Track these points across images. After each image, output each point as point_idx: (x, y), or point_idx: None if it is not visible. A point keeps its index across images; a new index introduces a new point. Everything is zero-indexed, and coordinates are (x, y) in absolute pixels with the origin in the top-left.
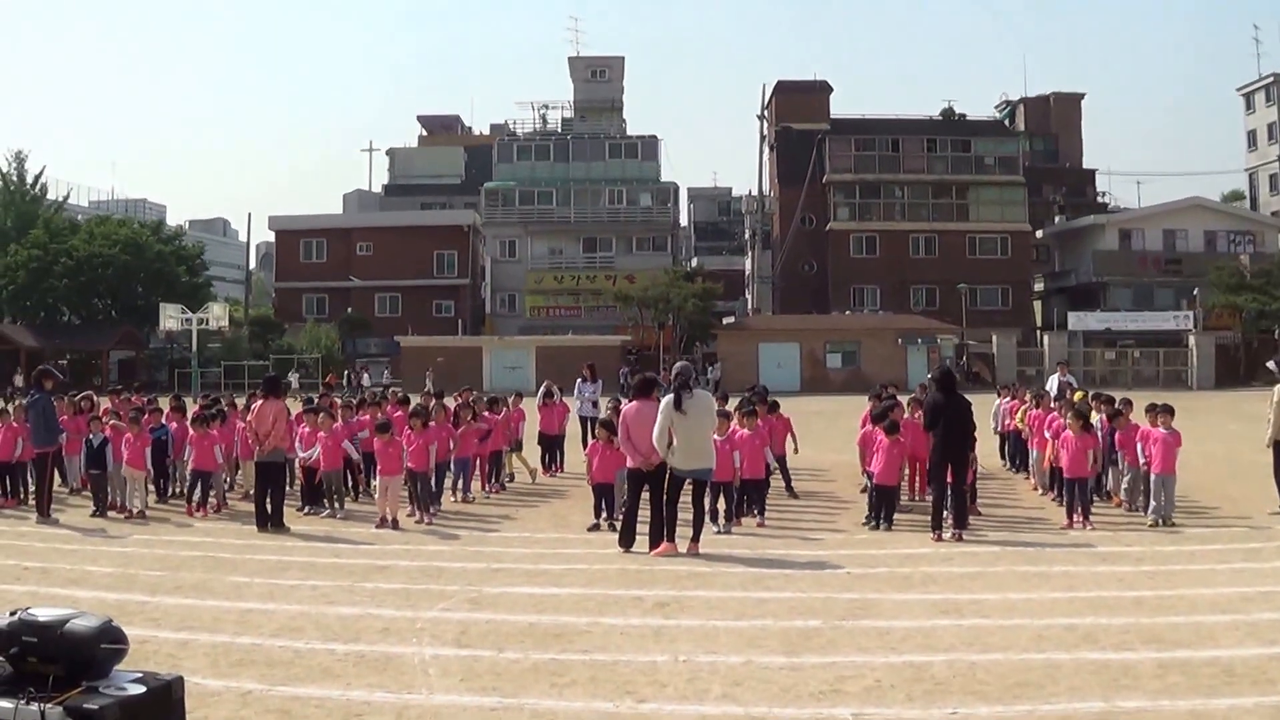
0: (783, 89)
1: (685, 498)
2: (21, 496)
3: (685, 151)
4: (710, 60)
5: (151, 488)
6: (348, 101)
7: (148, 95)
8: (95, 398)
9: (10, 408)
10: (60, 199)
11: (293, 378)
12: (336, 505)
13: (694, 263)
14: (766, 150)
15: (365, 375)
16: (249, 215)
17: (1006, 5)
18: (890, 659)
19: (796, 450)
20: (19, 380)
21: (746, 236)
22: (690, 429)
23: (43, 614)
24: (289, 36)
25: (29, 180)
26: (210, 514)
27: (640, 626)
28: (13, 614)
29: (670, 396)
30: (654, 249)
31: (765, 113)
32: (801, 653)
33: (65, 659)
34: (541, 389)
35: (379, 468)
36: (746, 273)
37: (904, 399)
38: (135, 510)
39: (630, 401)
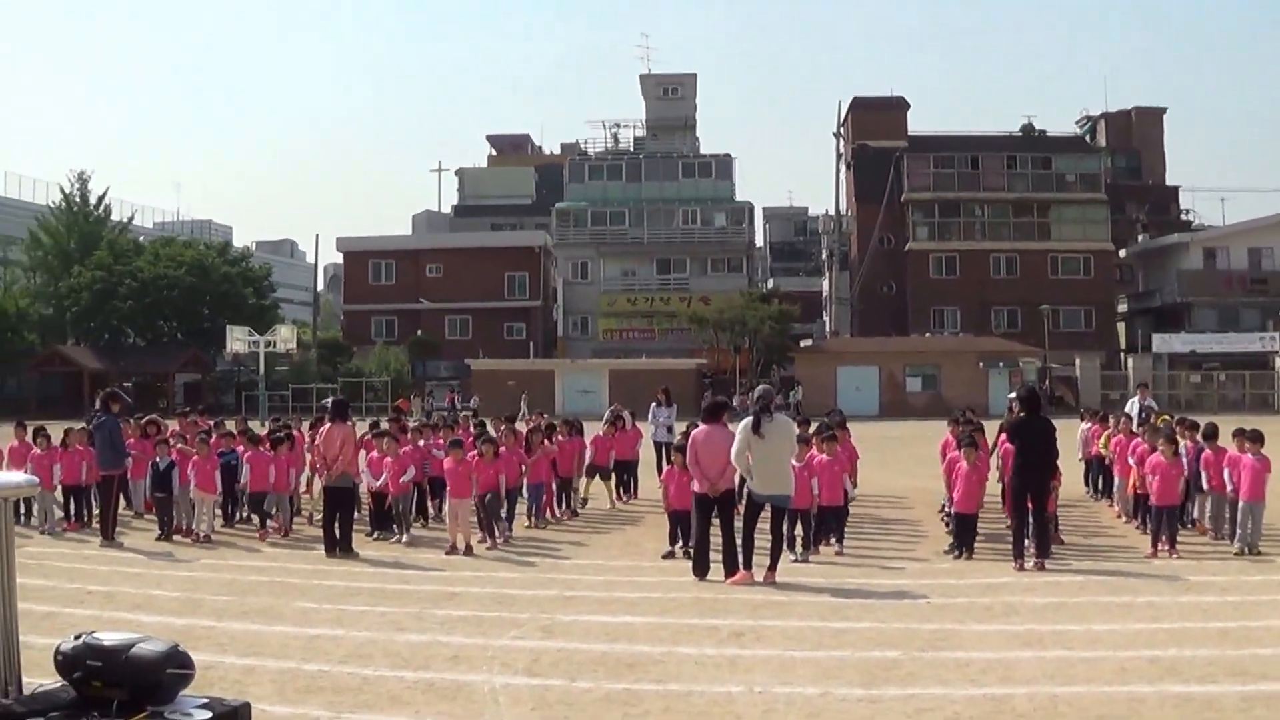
0: (859, 105)
1: (763, 524)
2: (86, 520)
3: (760, 170)
4: (785, 76)
5: (218, 512)
6: (416, 121)
7: (213, 116)
8: (161, 421)
9: (71, 431)
10: (124, 220)
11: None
12: (406, 530)
13: (770, 284)
14: (843, 168)
15: (460, 398)
16: (316, 237)
17: (1086, 19)
18: (970, 692)
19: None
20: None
21: (824, 257)
22: (768, 453)
23: (108, 638)
24: (357, 58)
25: (92, 201)
26: (272, 537)
27: (715, 656)
28: (77, 637)
29: (749, 419)
30: (729, 270)
31: (841, 130)
32: (880, 685)
33: (130, 684)
34: (608, 412)
35: (449, 491)
36: (824, 294)
37: (987, 425)
38: (202, 534)
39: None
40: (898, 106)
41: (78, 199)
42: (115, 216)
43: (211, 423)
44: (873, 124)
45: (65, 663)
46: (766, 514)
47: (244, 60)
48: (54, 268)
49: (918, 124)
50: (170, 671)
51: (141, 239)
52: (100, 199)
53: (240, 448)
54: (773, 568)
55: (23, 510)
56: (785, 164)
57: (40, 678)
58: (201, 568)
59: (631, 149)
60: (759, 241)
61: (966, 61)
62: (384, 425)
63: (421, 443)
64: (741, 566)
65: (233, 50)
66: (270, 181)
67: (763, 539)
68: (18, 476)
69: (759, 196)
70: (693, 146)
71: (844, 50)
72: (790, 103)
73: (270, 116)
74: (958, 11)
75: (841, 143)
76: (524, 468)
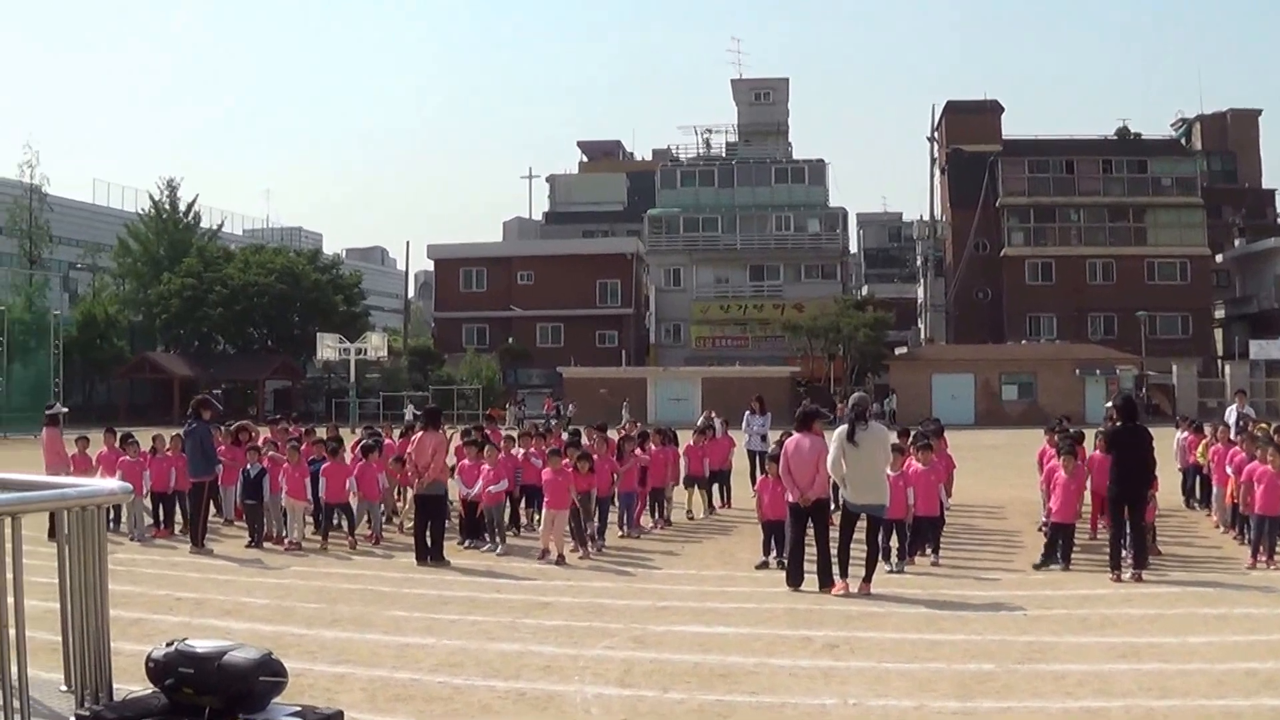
0: (953, 109)
1: (859, 534)
2: (175, 528)
3: (853, 175)
4: (878, 80)
5: (309, 519)
6: (507, 128)
7: (303, 123)
8: (253, 428)
9: (159, 437)
10: (214, 227)
11: (407, 411)
12: (501, 540)
13: (864, 291)
14: (937, 173)
15: (570, 406)
16: (407, 244)
17: (1181, 20)
18: (1066, 704)
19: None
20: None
21: (918, 263)
22: (862, 462)
23: (200, 645)
24: (448, 64)
25: (181, 208)
26: (359, 545)
27: (809, 668)
28: (169, 644)
29: (843, 427)
30: (823, 277)
31: (935, 134)
32: (975, 697)
33: (222, 691)
34: (700, 420)
35: (546, 501)
36: (919, 301)
37: (1088, 432)
38: (292, 541)
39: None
40: (991, 110)
41: (167, 206)
42: (205, 223)
43: (302, 430)
44: (967, 128)
45: (157, 669)
46: (863, 524)
47: (335, 67)
48: (143, 275)
49: (1012, 128)
50: (262, 679)
51: (231, 246)
52: (189, 206)
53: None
54: (868, 578)
55: (111, 516)
56: (879, 169)
57: (129, 683)
58: (291, 575)
59: (723, 154)
60: (853, 248)
61: (1060, 64)
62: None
63: (515, 451)
64: (836, 577)
65: (324, 56)
66: (360, 189)
67: (858, 549)
68: (111, 483)
69: (852, 202)
70: (785, 152)
71: (937, 53)
72: (883, 107)
73: (361, 123)
74: (1051, 13)
75: (935, 147)
76: (615, 476)
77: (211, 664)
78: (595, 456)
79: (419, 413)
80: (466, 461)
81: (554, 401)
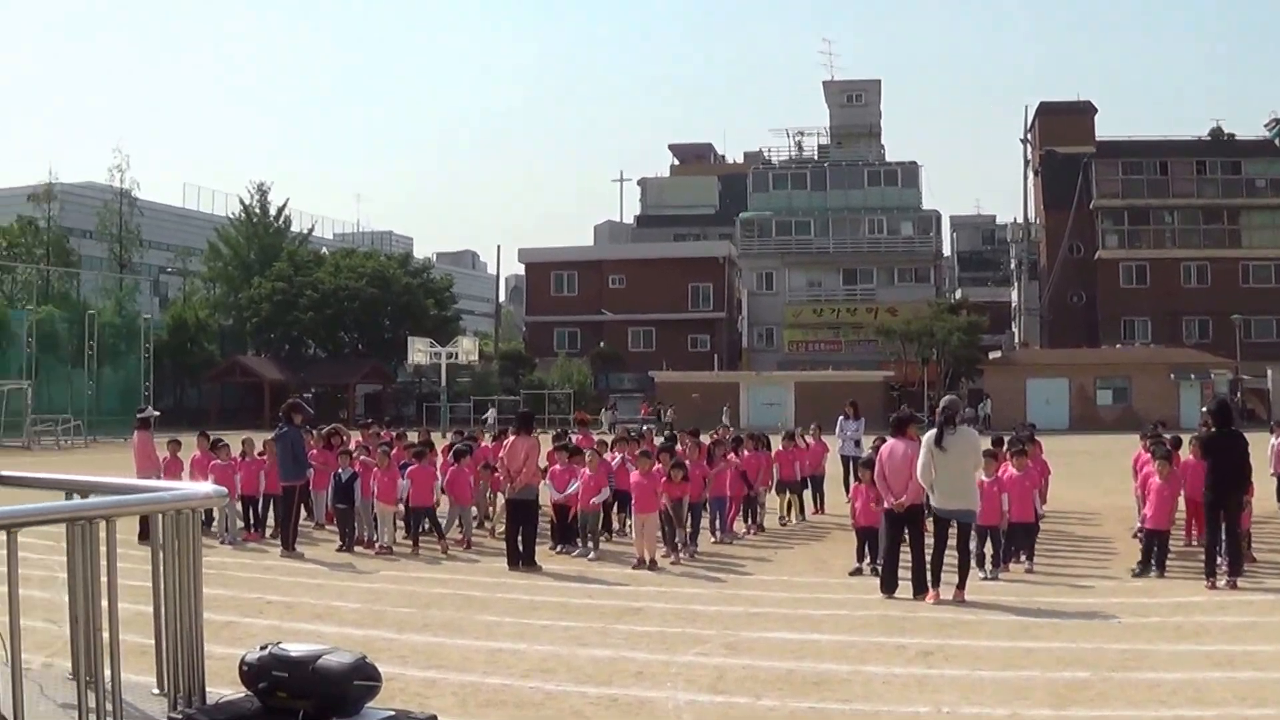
0: (1046, 110)
1: (952, 540)
2: (266, 532)
3: (946, 178)
4: (970, 81)
5: (400, 524)
6: (598, 131)
7: (393, 128)
8: (345, 432)
9: (250, 441)
10: (305, 231)
11: (489, 414)
12: (595, 546)
13: (958, 294)
14: (1031, 175)
15: (670, 410)
16: (498, 248)
17: (1273, 19)
18: (1160, 713)
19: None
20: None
21: (1012, 266)
22: (951, 467)
23: (295, 649)
24: (538, 68)
25: (272, 212)
26: (450, 549)
27: (903, 675)
28: (263, 648)
29: (931, 431)
30: (916, 280)
31: (1028, 136)
32: (1069, 705)
33: (317, 695)
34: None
35: (635, 506)
36: (1013, 304)
37: (1183, 437)
38: (383, 546)
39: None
40: (1085, 111)
41: (258, 210)
42: (295, 227)
43: (393, 434)
44: (1059, 129)
45: (251, 673)
46: (954, 530)
47: (425, 71)
48: (234, 279)
49: (1105, 129)
50: (357, 683)
51: (322, 250)
52: (280, 210)
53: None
54: (961, 585)
55: (202, 519)
56: (972, 171)
57: (219, 687)
58: (382, 579)
59: (816, 157)
60: (946, 250)
61: (1154, 64)
62: (570, 438)
63: (609, 456)
64: (929, 584)
65: (414, 61)
66: (451, 193)
67: (952, 556)
68: (205, 487)
69: (946, 204)
70: (878, 154)
71: (1030, 53)
72: (976, 108)
73: (451, 127)
74: (1144, 13)
75: (1029, 149)
76: (706, 481)
77: (306, 668)
78: (687, 461)
79: (499, 416)
80: (558, 466)
81: (651, 406)
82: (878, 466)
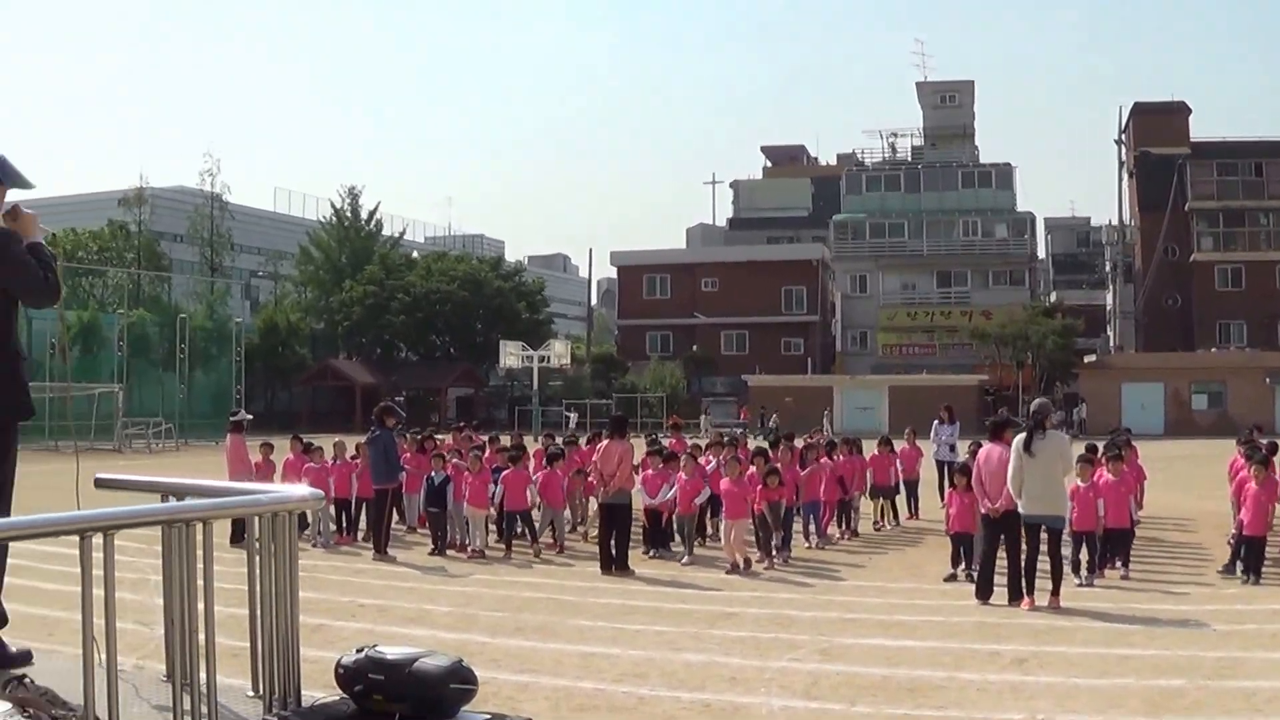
0: (1140, 110)
1: (1044, 547)
2: (358, 535)
3: (1040, 179)
4: (1064, 81)
5: (493, 527)
6: (689, 134)
7: (484, 131)
8: (440, 436)
9: (342, 444)
10: (396, 235)
11: (571, 418)
12: (690, 551)
13: (1052, 297)
14: (1125, 176)
15: (775, 416)
16: (590, 251)
17: None
18: None
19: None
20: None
21: (1107, 269)
22: (1039, 472)
23: (391, 652)
24: (629, 70)
25: (363, 216)
26: (543, 554)
27: (998, 682)
28: (359, 651)
29: (1021, 437)
30: (1011, 283)
31: (1122, 136)
32: (1164, 713)
33: (412, 698)
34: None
35: (725, 511)
36: (1108, 307)
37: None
38: (475, 549)
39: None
40: (1179, 111)
41: (349, 214)
42: (386, 231)
43: (486, 438)
44: (1154, 130)
45: (347, 676)
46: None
47: (516, 73)
48: (325, 282)
49: (1200, 129)
50: (453, 687)
51: (413, 253)
52: (371, 214)
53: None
54: (1055, 591)
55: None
56: (1066, 172)
57: (311, 690)
58: (475, 583)
59: (909, 159)
60: (1040, 253)
61: (1249, 63)
62: (663, 442)
63: (702, 460)
64: (1025, 591)
65: (505, 63)
66: (542, 196)
67: (1044, 561)
68: (302, 489)
69: (1040, 206)
70: (972, 155)
71: (1124, 53)
72: (1070, 108)
73: (542, 130)
74: (1238, 11)
75: (1123, 150)
76: (798, 486)
77: (402, 671)
78: (779, 465)
79: (578, 420)
80: (651, 471)
81: (750, 410)
82: (975, 471)
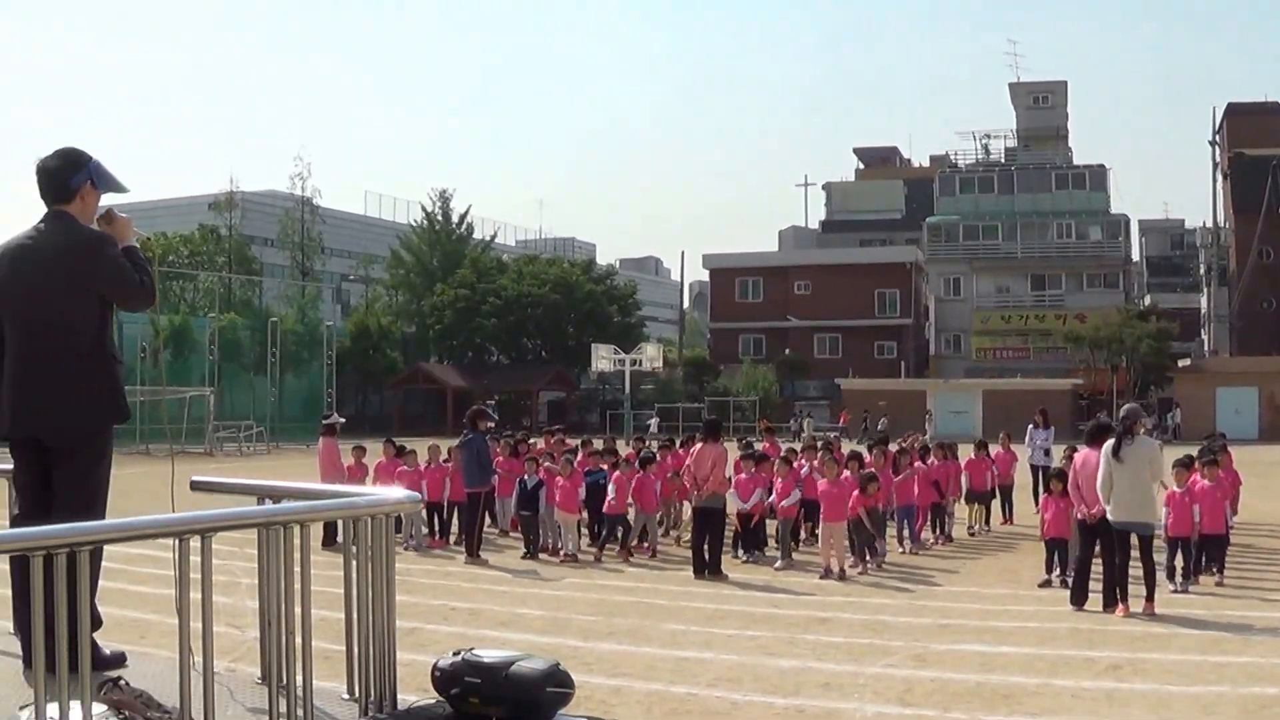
0: (1235, 111)
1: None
2: (450, 538)
3: (1134, 180)
4: (1158, 81)
5: (584, 531)
6: (782, 135)
7: (575, 133)
8: (530, 439)
9: (434, 447)
10: (487, 238)
11: (653, 422)
12: (787, 555)
13: (1147, 300)
14: (1219, 178)
15: (882, 420)
16: (682, 254)
17: None
18: None
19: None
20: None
21: (1201, 272)
22: (1127, 478)
23: (488, 655)
24: (721, 72)
25: (454, 219)
26: (635, 558)
27: (1092, 690)
28: (456, 654)
29: (1109, 443)
30: (1105, 286)
31: (1217, 137)
32: None
33: (509, 701)
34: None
35: (823, 515)
36: (1202, 311)
37: None
38: (568, 553)
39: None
40: (1274, 112)
41: (440, 217)
42: (477, 234)
43: (578, 442)
44: (1249, 130)
45: (443, 679)
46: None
47: (607, 76)
48: (416, 286)
49: None
50: (550, 690)
51: (504, 257)
52: (462, 217)
53: (604, 467)
54: (1150, 598)
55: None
56: (1160, 174)
57: (404, 693)
58: (567, 587)
59: (1003, 160)
60: (1134, 255)
61: None
62: (756, 446)
63: (796, 463)
64: (1119, 597)
65: (596, 66)
66: (633, 199)
67: (1138, 568)
68: (399, 492)
69: (1134, 208)
70: (1065, 157)
71: (1219, 53)
72: (1164, 109)
73: (633, 132)
74: None
75: (1217, 151)
76: (891, 491)
77: (499, 674)
78: (873, 469)
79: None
80: (743, 475)
81: (848, 414)
82: (1071, 476)
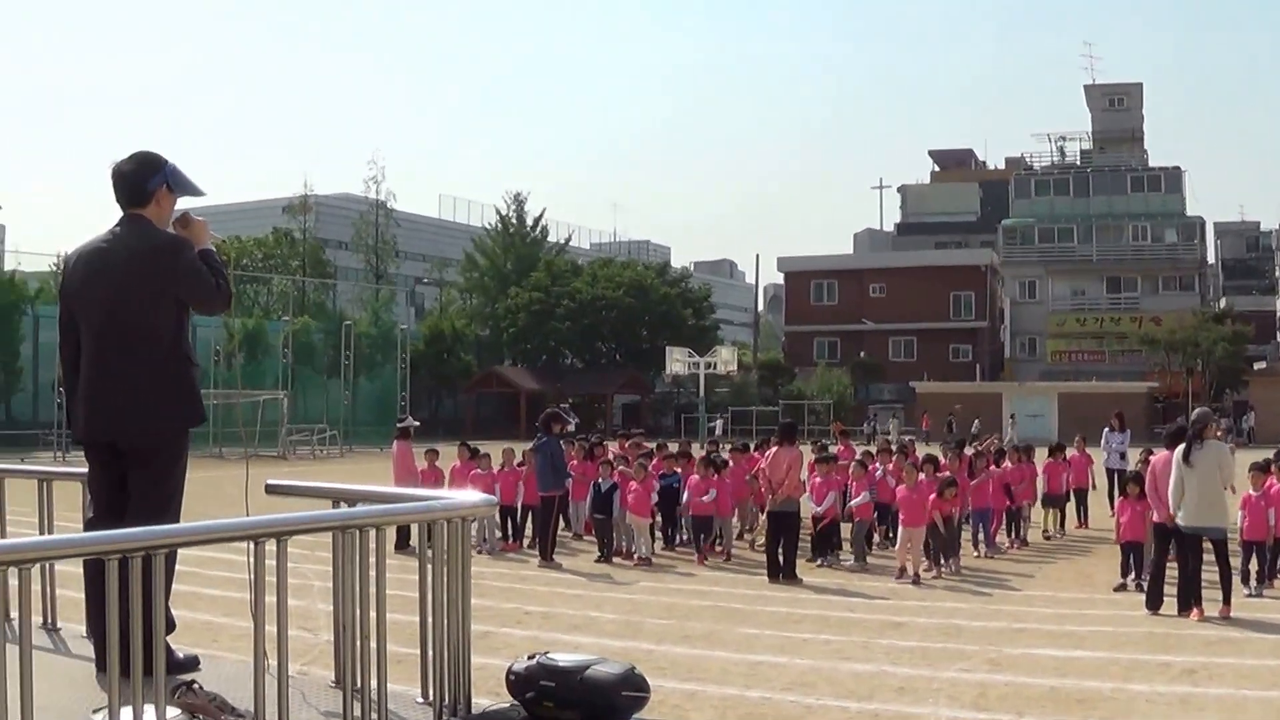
0: None
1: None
2: (524, 542)
3: (1210, 183)
4: (1234, 83)
5: (659, 534)
6: (856, 138)
7: (650, 137)
8: (605, 443)
9: (509, 451)
10: (561, 241)
11: (715, 425)
12: (862, 558)
13: (1222, 303)
14: None
15: (976, 422)
16: (757, 257)
17: None
18: None
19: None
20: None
21: (1277, 274)
22: (1197, 483)
23: (563, 659)
24: (793, 75)
25: (528, 222)
26: (710, 561)
27: (1167, 694)
28: (531, 658)
29: (1180, 448)
30: (1180, 289)
31: None
32: None
33: (584, 705)
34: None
35: (902, 518)
36: (1278, 314)
37: None
38: (641, 556)
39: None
40: None
41: (514, 220)
42: (552, 237)
43: (653, 445)
44: None
45: (518, 682)
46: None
47: (680, 79)
48: (490, 289)
49: None
50: (625, 694)
51: (579, 260)
52: (536, 220)
53: (680, 470)
54: (1226, 601)
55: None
56: (1236, 176)
57: (478, 697)
58: (641, 590)
59: (1078, 162)
60: (1210, 258)
61: None
62: (831, 449)
63: (871, 467)
64: (1195, 601)
65: (670, 70)
66: (708, 201)
67: (1212, 571)
68: (475, 496)
69: (1209, 210)
70: (1140, 159)
71: None
72: (1240, 111)
73: (707, 135)
74: None
75: None
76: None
77: (574, 678)
78: (948, 472)
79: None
80: (818, 479)
81: (928, 417)
82: (1149, 479)
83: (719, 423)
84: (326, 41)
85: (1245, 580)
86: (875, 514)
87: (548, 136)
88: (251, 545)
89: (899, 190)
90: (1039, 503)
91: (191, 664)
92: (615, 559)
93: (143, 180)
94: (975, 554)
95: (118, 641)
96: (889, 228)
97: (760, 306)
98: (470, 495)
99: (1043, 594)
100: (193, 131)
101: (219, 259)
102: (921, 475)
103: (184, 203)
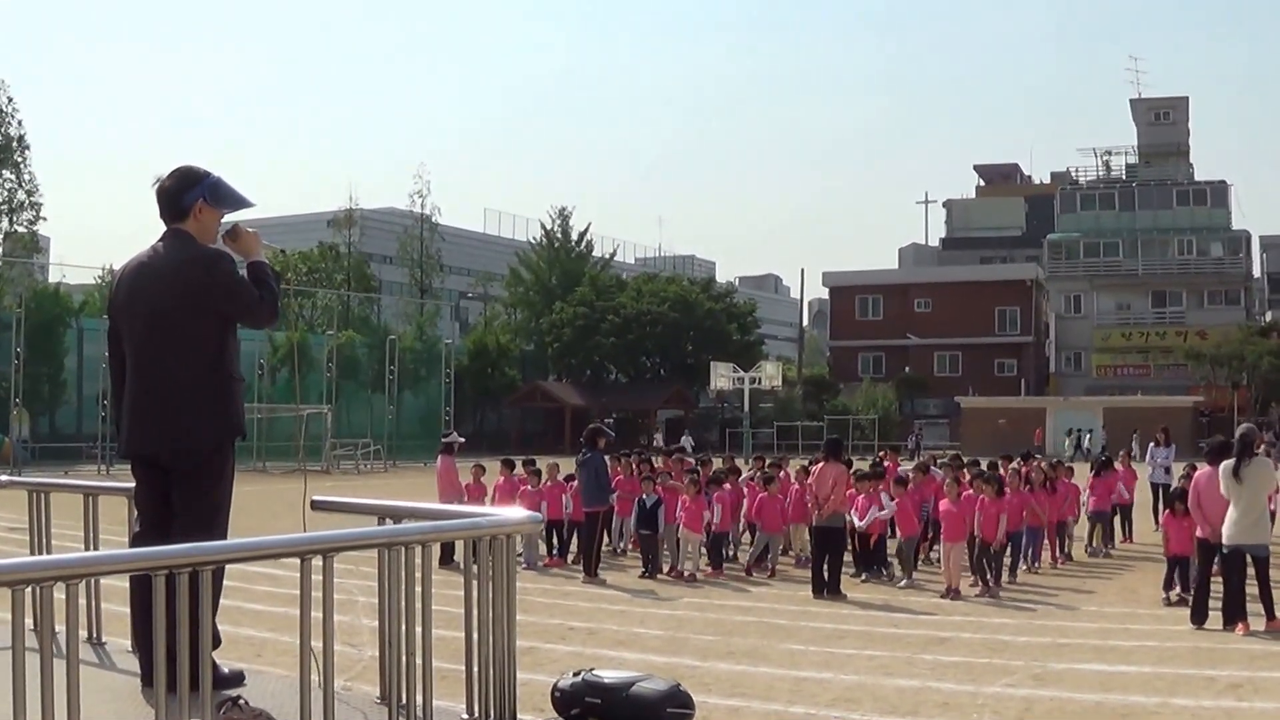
0: None
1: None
2: (568, 557)
3: (1256, 196)
4: (1278, 95)
5: (702, 550)
6: (902, 152)
7: (694, 152)
8: (652, 459)
9: (553, 466)
10: (606, 256)
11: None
12: (908, 574)
13: (1268, 317)
14: None
15: (1038, 431)
16: (802, 271)
17: None
18: None
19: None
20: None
21: None
22: (1244, 499)
23: (608, 675)
24: (839, 91)
25: (573, 237)
26: (753, 577)
27: (1212, 709)
28: (576, 674)
29: (1228, 463)
30: (1226, 303)
31: None
32: None
33: None
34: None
35: (944, 534)
36: None
37: None
38: (687, 573)
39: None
40: None
41: (559, 235)
42: (597, 252)
43: (698, 461)
44: None
45: (564, 699)
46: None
47: (725, 94)
48: (535, 303)
49: None
50: (670, 711)
51: (624, 275)
52: (581, 235)
53: (728, 487)
54: (1271, 616)
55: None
56: None
57: (523, 713)
58: (685, 606)
59: (1124, 176)
60: (1256, 272)
61: None
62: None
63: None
64: (1240, 615)
65: (715, 85)
66: (754, 216)
67: (1254, 587)
68: (520, 513)
69: (1255, 224)
70: (1186, 173)
71: None
72: None
73: (752, 151)
74: None
75: None
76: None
77: (619, 694)
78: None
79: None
80: (862, 497)
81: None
82: (1192, 494)
83: (687, 439)
84: (373, 56)
85: None
86: (923, 529)
87: (593, 151)
88: (299, 562)
89: (944, 205)
90: (1084, 517)
91: (237, 679)
92: (660, 575)
93: (180, 194)
94: (1020, 569)
95: (164, 657)
96: (934, 242)
97: (805, 321)
98: (516, 512)
99: (1087, 609)
100: (239, 144)
101: (271, 271)
102: (969, 490)
103: (236, 215)
